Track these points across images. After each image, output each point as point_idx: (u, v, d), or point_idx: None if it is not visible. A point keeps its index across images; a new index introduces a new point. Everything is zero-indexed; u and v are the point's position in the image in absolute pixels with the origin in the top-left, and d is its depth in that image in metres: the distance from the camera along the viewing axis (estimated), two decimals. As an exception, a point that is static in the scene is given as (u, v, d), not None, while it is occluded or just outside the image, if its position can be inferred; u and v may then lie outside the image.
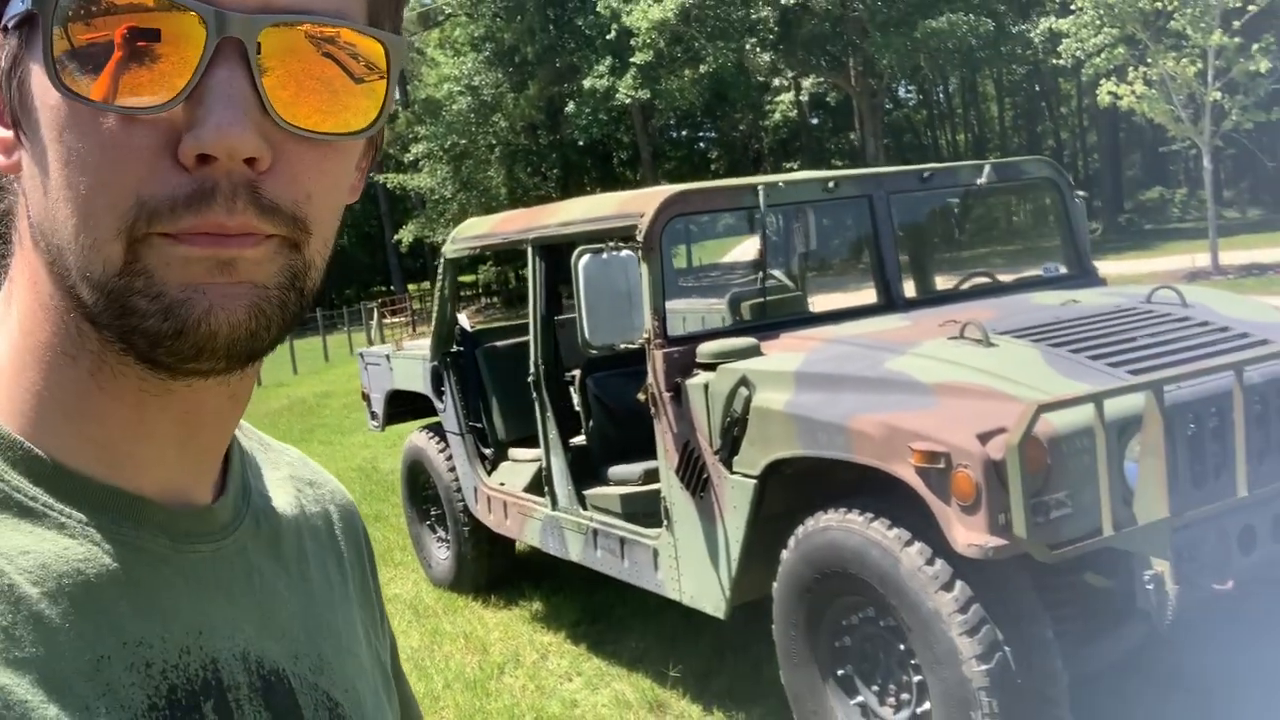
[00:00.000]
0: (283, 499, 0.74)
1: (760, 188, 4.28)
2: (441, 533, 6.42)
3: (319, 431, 14.05)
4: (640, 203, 4.25)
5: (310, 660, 0.68)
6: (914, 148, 47.46)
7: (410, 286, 48.97)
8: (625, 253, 4.03)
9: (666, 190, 4.27)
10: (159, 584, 0.60)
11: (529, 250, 4.95)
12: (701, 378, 3.93)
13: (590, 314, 3.98)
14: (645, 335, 4.07)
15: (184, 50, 0.52)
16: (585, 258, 3.98)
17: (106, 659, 0.56)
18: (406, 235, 40.36)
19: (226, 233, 0.54)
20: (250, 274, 0.55)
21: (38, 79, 0.54)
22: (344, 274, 57.87)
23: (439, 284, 5.85)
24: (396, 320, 34.23)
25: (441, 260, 5.76)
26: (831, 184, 4.53)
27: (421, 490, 6.52)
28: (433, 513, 6.48)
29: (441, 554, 6.42)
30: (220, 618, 0.63)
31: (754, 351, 3.93)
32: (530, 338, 5.00)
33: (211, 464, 0.66)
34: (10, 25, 0.54)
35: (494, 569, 6.17)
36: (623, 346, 4.18)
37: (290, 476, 0.77)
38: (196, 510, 0.64)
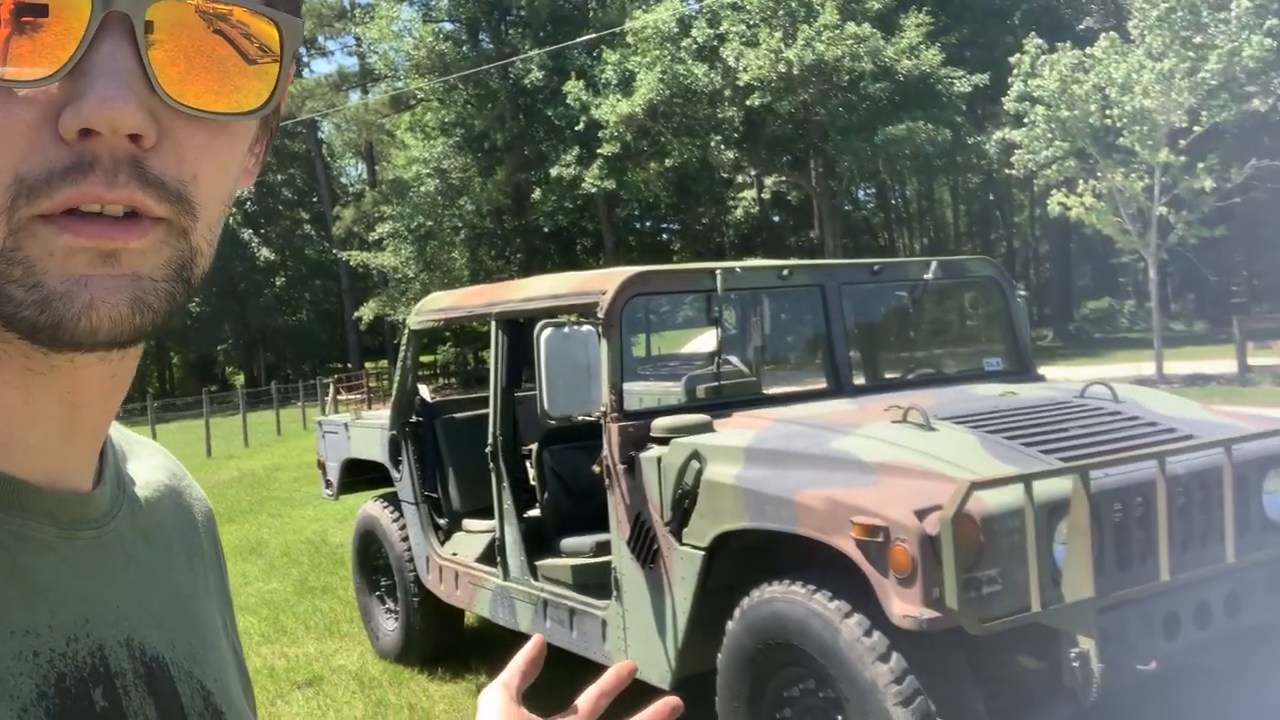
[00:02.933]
0: (151, 490, 0.73)
1: (718, 272, 4.47)
2: (390, 604, 6.43)
3: (269, 504, 13.95)
4: (602, 281, 4.43)
5: (184, 649, 0.68)
6: (872, 248, 48.46)
7: (368, 364, 48.84)
8: (586, 328, 4.18)
9: (628, 270, 4.46)
10: (45, 572, 0.59)
11: (492, 324, 5.09)
12: (655, 451, 4.07)
13: (550, 386, 4.12)
14: (602, 409, 4.21)
15: (68, 23, 0.50)
16: (548, 331, 4.14)
17: None
18: (367, 313, 40.40)
19: (105, 202, 0.52)
20: (134, 265, 0.54)
21: None
22: (301, 349, 57.69)
23: (401, 354, 5.97)
24: (352, 397, 34.08)
25: (405, 331, 5.88)
26: (786, 272, 4.74)
27: (372, 560, 6.54)
28: (383, 583, 6.50)
29: (389, 625, 6.42)
30: (105, 605, 0.63)
31: (706, 427, 4.08)
32: (490, 409, 5.12)
33: (94, 449, 0.65)
34: None
35: (442, 641, 6.17)
36: (580, 419, 4.32)
37: (155, 468, 0.77)
38: (80, 497, 0.63)
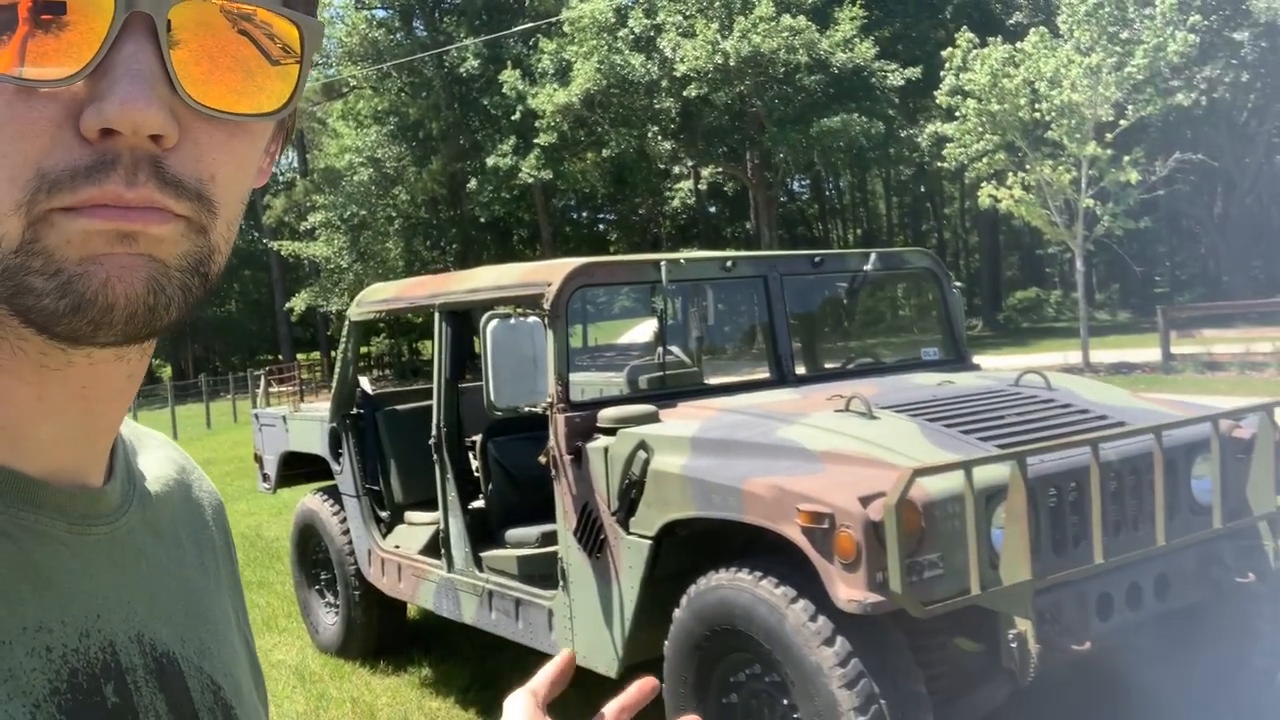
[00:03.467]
0: (160, 485, 0.74)
1: (663, 263, 4.51)
2: (330, 597, 6.38)
3: (202, 497, 13.73)
4: (547, 272, 4.43)
5: (194, 644, 0.69)
6: (806, 239, 48.91)
7: (299, 356, 48.20)
8: (532, 319, 4.19)
9: (573, 261, 4.47)
10: (58, 568, 0.60)
11: (435, 315, 5.07)
12: (601, 441, 4.09)
13: (496, 376, 4.12)
14: (548, 400, 4.22)
15: (91, 22, 0.50)
16: (494, 323, 4.13)
17: (7, 644, 0.55)
18: (299, 303, 39.88)
19: (127, 204, 0.52)
20: (151, 248, 0.54)
21: None
22: (230, 341, 56.75)
23: (342, 346, 5.92)
24: (283, 389, 33.62)
25: (346, 323, 5.83)
26: (730, 264, 4.79)
27: (312, 554, 6.48)
28: (322, 577, 6.45)
29: (329, 619, 6.37)
30: (116, 600, 0.63)
31: (653, 418, 4.11)
32: (434, 401, 5.10)
33: (106, 445, 0.65)
34: None
35: (384, 634, 6.14)
36: (526, 409, 4.32)
37: (163, 461, 0.77)
38: (91, 493, 0.64)
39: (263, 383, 30.96)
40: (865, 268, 5.19)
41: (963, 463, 3.20)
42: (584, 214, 44.36)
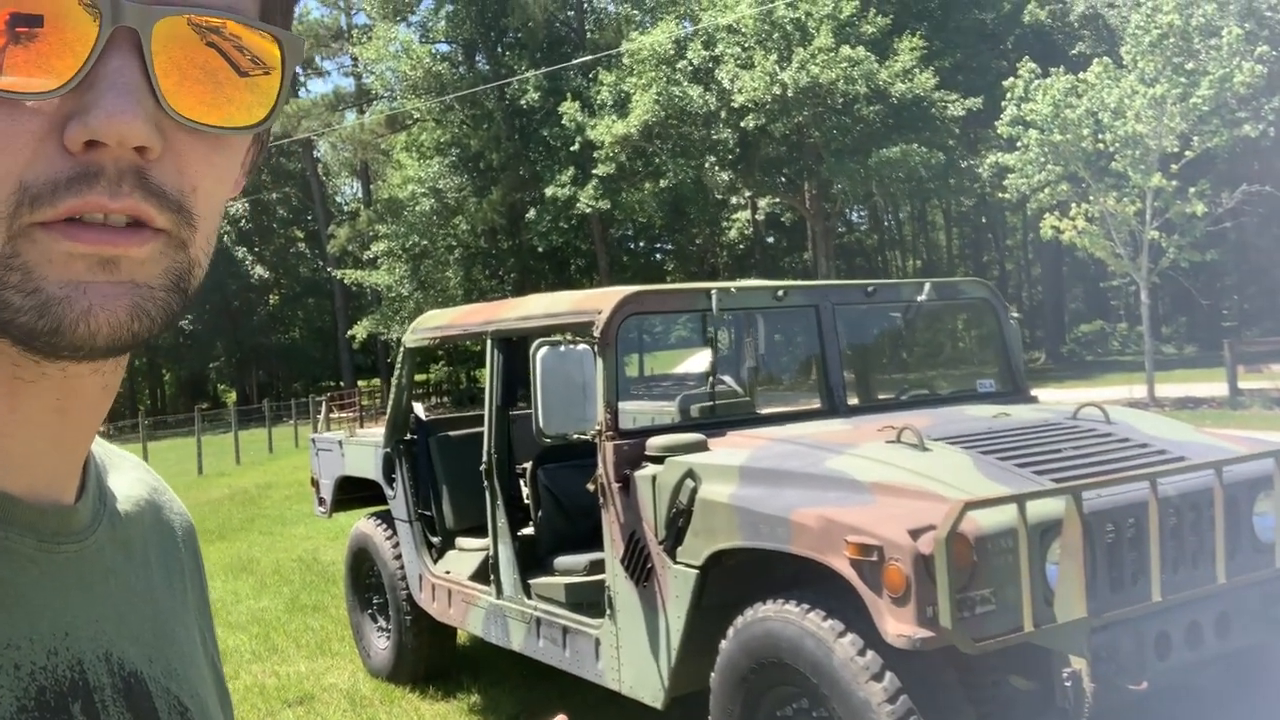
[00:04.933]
0: (131, 505, 0.73)
1: (714, 292, 4.50)
2: (382, 622, 6.42)
3: (260, 521, 13.92)
4: (598, 300, 4.45)
5: (162, 664, 0.68)
6: (865, 270, 48.57)
7: (360, 382, 48.78)
8: (582, 347, 4.20)
9: (624, 290, 4.48)
10: (27, 585, 0.59)
11: (488, 342, 5.11)
12: (650, 470, 4.08)
13: (546, 404, 4.13)
14: (597, 427, 4.22)
15: (72, 35, 0.51)
16: (544, 350, 4.15)
17: None
18: (360, 331, 40.38)
19: (108, 211, 0.53)
20: (133, 273, 0.54)
21: None
22: (294, 367, 57.61)
23: (397, 372, 5.98)
24: (344, 415, 34.04)
25: (401, 349, 5.90)
26: (781, 293, 4.77)
27: (365, 578, 6.53)
28: (375, 601, 6.49)
29: (381, 643, 6.41)
30: (84, 618, 0.62)
31: (701, 446, 4.10)
32: (485, 427, 5.13)
33: (78, 461, 0.65)
34: None
35: (434, 659, 6.17)
36: (575, 437, 4.33)
37: (135, 482, 0.76)
38: (63, 510, 0.63)
39: (324, 408, 31.40)
40: (919, 298, 5.14)
41: (1016, 496, 3.14)
42: (641, 244, 44.49)
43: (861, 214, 47.11)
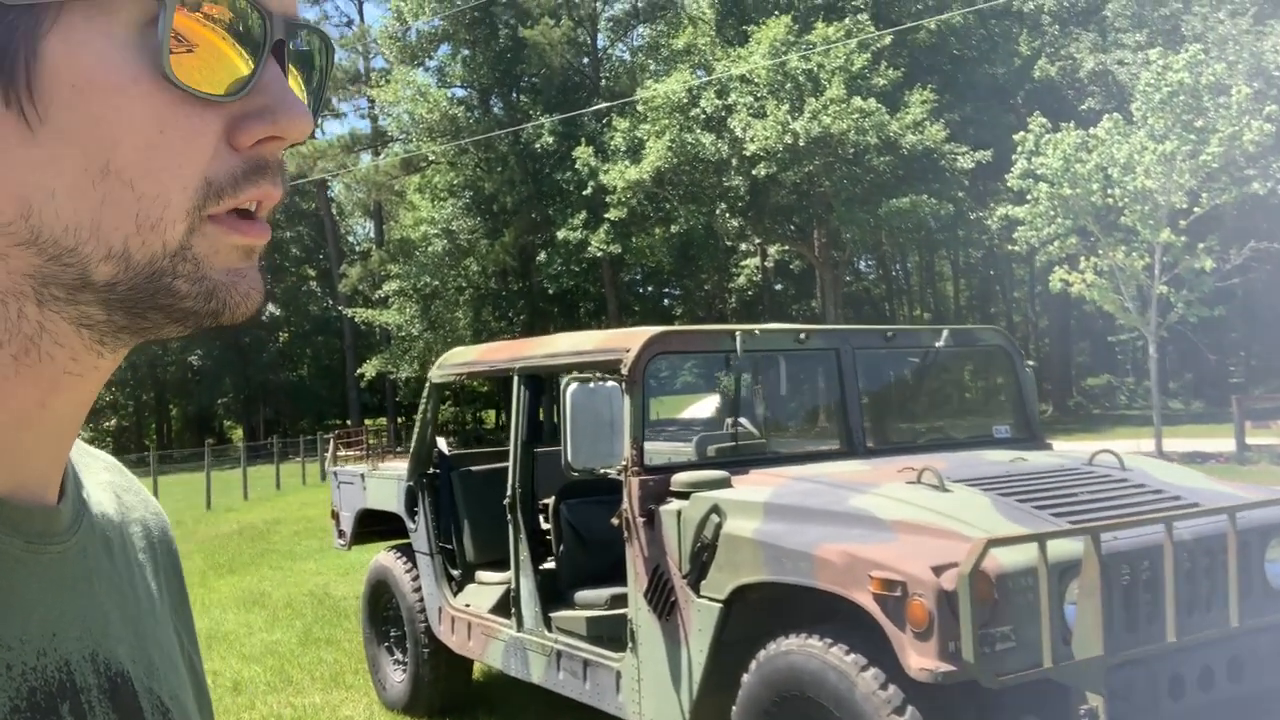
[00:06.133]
0: (107, 505, 0.73)
1: (738, 334, 4.62)
2: (399, 654, 6.48)
3: (269, 556, 13.96)
4: (625, 339, 4.57)
5: (144, 664, 0.68)
6: (873, 319, 48.74)
7: (367, 421, 48.86)
8: (610, 383, 4.32)
9: (651, 329, 4.61)
10: (15, 585, 0.59)
11: (514, 379, 5.22)
12: (675, 505, 4.18)
13: (574, 438, 4.24)
14: (623, 462, 4.32)
15: (250, 44, 0.56)
16: (573, 386, 4.27)
17: None
18: (369, 370, 40.59)
19: (274, 200, 0.59)
20: (258, 257, 0.61)
21: (75, 58, 0.53)
22: (301, 405, 57.72)
23: (422, 407, 6.10)
24: (350, 454, 34.13)
25: (427, 385, 6.01)
26: (803, 336, 4.89)
27: (382, 610, 6.60)
28: (392, 634, 6.55)
29: (397, 676, 6.46)
30: (70, 619, 0.62)
31: (725, 483, 4.20)
32: (510, 462, 5.23)
33: (63, 461, 0.65)
34: (11, 2, 0.52)
35: (450, 693, 6.22)
36: (602, 472, 4.43)
37: (109, 483, 0.76)
38: (48, 511, 0.63)
39: (331, 446, 31.50)
40: (937, 344, 5.25)
41: (1036, 535, 3.24)
42: (650, 288, 44.75)
43: (870, 263, 47.38)
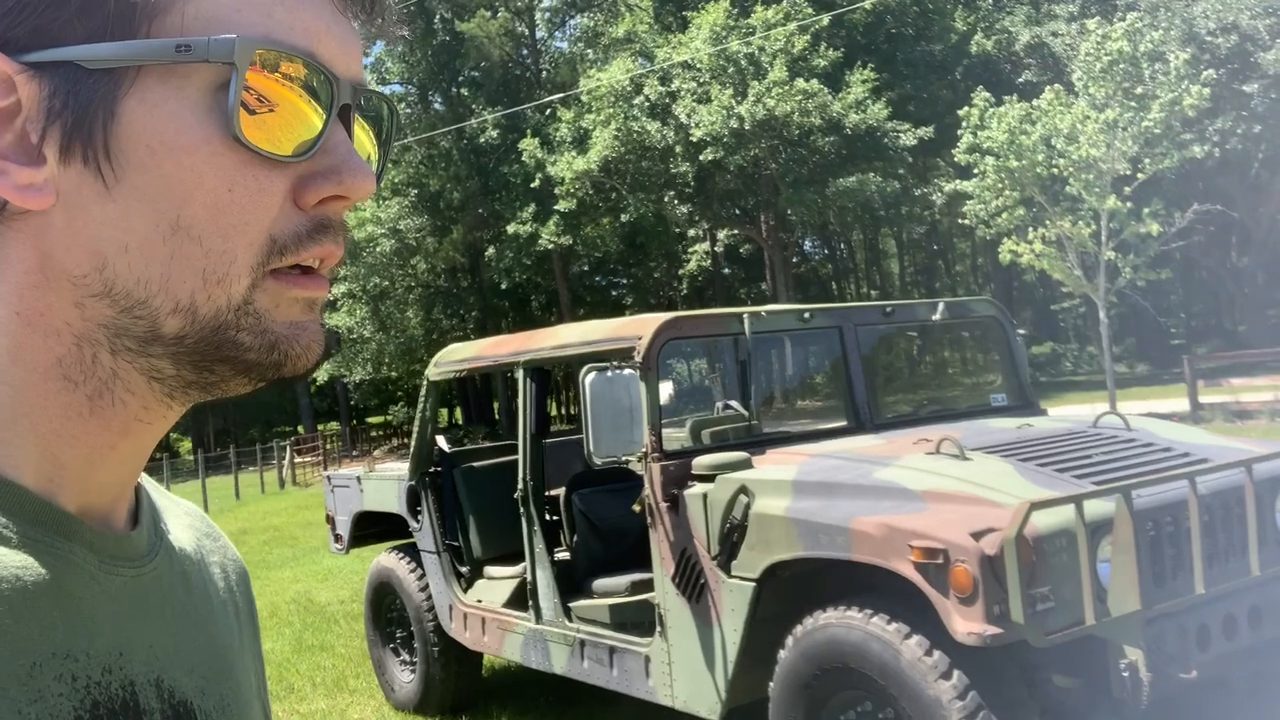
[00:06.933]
0: (186, 543, 0.75)
1: (746, 316, 4.67)
2: (406, 655, 6.46)
3: (244, 566, 13.80)
4: (637, 327, 4.60)
5: (214, 698, 0.69)
6: (822, 299, 49.15)
7: (319, 426, 48.35)
8: (628, 371, 4.34)
9: (662, 316, 4.64)
10: (88, 600, 0.61)
11: (520, 372, 5.22)
12: (699, 488, 4.22)
13: (596, 428, 4.25)
14: (643, 449, 4.35)
15: (316, 106, 0.59)
16: (592, 375, 4.28)
17: (39, 666, 0.56)
18: (320, 374, 40.16)
19: (336, 258, 0.61)
20: (320, 312, 0.64)
21: (150, 120, 0.56)
22: (248, 413, 56.96)
23: (420, 406, 6.07)
24: (306, 460, 33.79)
25: (425, 383, 5.99)
26: (807, 315, 4.95)
27: (386, 612, 6.57)
28: (398, 635, 6.53)
29: (405, 676, 6.44)
30: (138, 642, 0.63)
31: (747, 464, 4.24)
32: (519, 455, 5.23)
33: (129, 490, 0.68)
34: (94, 67, 0.56)
35: (461, 689, 6.21)
36: (624, 459, 4.45)
37: (190, 526, 0.78)
38: (118, 536, 0.65)
39: (288, 454, 31.20)
40: (934, 317, 5.34)
41: (1074, 496, 3.32)
42: (599, 279, 44.71)
43: (815, 244, 47.75)
